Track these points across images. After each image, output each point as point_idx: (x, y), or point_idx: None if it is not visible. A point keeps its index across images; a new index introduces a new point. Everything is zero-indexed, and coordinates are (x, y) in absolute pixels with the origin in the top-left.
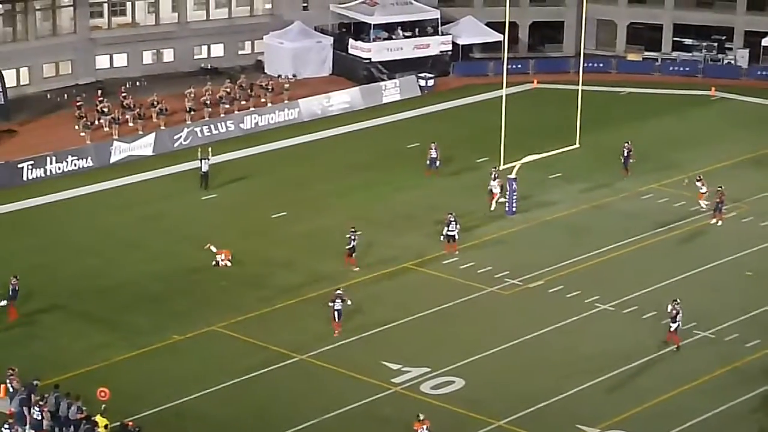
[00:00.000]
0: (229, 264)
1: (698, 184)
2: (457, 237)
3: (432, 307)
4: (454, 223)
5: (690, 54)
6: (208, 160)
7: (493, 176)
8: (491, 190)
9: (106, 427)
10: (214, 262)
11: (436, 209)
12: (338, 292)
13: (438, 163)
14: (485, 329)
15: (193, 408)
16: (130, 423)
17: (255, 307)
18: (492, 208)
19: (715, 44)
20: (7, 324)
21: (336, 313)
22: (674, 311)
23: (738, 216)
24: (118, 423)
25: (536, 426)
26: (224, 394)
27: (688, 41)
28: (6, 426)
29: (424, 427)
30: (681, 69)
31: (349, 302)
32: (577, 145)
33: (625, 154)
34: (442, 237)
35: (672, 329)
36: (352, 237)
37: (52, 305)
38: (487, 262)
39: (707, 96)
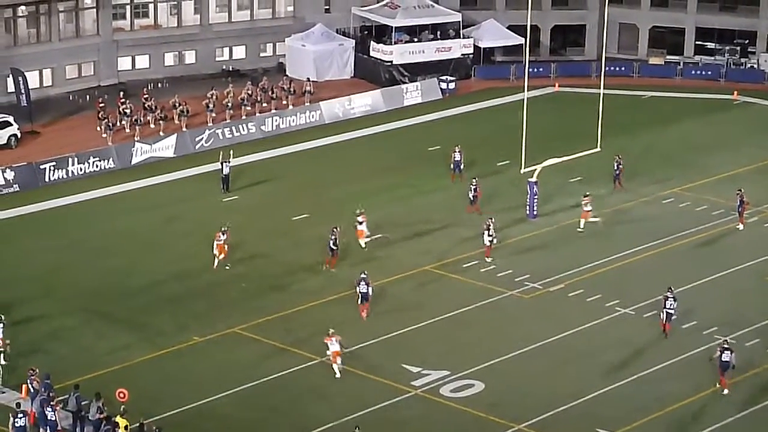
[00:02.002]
0: (222, 261)
1: (584, 201)
2: (492, 243)
3: (452, 310)
4: (492, 227)
5: (712, 58)
6: (229, 162)
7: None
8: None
9: (126, 428)
10: (227, 266)
11: (456, 212)
12: (362, 275)
13: (462, 166)
14: (505, 333)
15: (213, 409)
16: (146, 422)
17: (275, 309)
18: (581, 227)
19: (738, 48)
20: (26, 325)
21: (361, 296)
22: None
23: (760, 221)
24: (138, 424)
25: (556, 430)
26: (244, 396)
27: (710, 45)
28: (20, 416)
29: (334, 339)
30: (703, 73)
31: (371, 289)
32: (599, 149)
33: (616, 168)
34: (486, 241)
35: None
36: (334, 236)
37: (74, 306)
38: (507, 266)
39: (730, 100)
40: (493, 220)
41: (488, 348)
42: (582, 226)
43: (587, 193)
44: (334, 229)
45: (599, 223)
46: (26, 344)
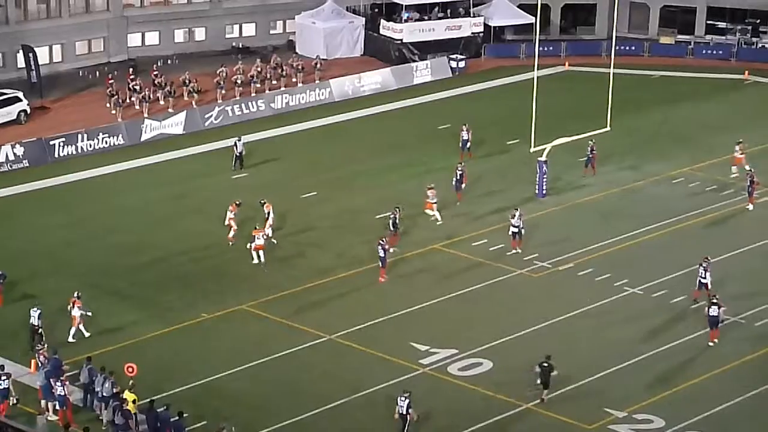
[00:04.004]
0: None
1: (429, 193)
2: (522, 233)
3: (461, 288)
4: (517, 217)
5: (723, 37)
6: (241, 141)
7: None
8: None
9: (134, 402)
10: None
11: (466, 190)
12: (381, 240)
13: (469, 144)
14: (514, 311)
15: (222, 386)
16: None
17: (284, 286)
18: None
19: (749, 28)
20: (36, 300)
21: (380, 260)
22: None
23: None
24: (148, 400)
25: (564, 409)
26: (253, 373)
27: (721, 24)
28: (3, 378)
29: (260, 233)
30: (714, 52)
31: (391, 250)
32: (608, 129)
33: (589, 152)
34: (509, 232)
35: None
36: (394, 215)
37: (83, 282)
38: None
39: (741, 80)
40: (519, 210)
41: (497, 327)
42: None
43: (431, 185)
44: (396, 209)
45: (433, 218)
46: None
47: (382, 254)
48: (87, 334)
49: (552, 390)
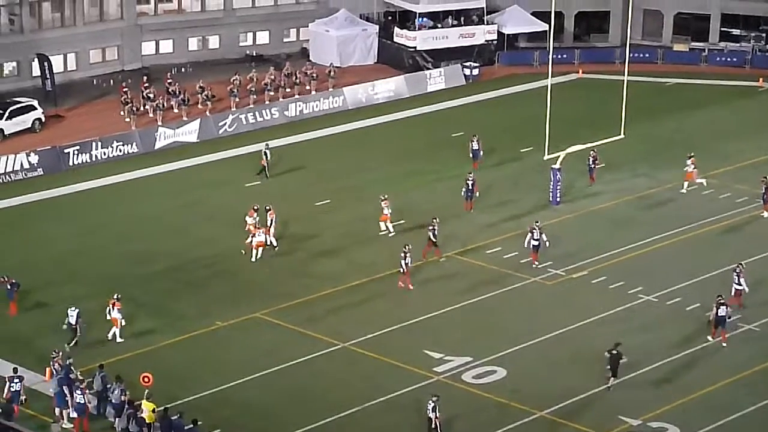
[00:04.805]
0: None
1: (383, 204)
2: (540, 246)
3: (475, 296)
4: (537, 231)
5: (738, 44)
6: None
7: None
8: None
9: (153, 411)
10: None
11: (479, 199)
12: (405, 248)
13: (481, 153)
14: (528, 319)
15: (236, 394)
16: (169, 407)
17: (298, 294)
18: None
19: (764, 35)
20: (49, 308)
21: (404, 267)
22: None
23: None
24: (162, 408)
25: (578, 417)
26: (266, 381)
27: (735, 32)
28: (16, 380)
29: (260, 231)
30: (728, 60)
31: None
32: (622, 136)
33: (590, 162)
34: (526, 244)
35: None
36: (433, 227)
37: (97, 290)
38: (526, 245)
39: (755, 87)
40: (539, 223)
41: (511, 334)
42: (384, 228)
43: (385, 196)
44: (433, 220)
45: (385, 231)
46: (49, 327)
47: (408, 262)
48: (120, 340)
49: (563, 398)
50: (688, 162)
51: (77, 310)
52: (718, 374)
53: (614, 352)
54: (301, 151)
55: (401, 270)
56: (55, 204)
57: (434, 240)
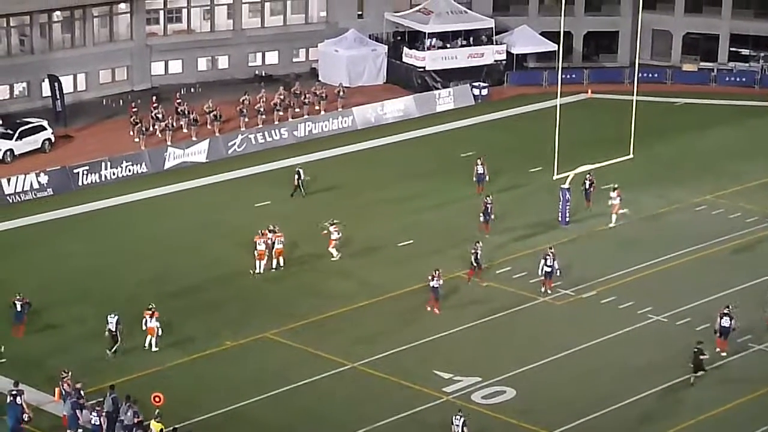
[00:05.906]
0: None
1: (332, 229)
2: (554, 273)
3: (484, 316)
4: (551, 257)
5: (747, 64)
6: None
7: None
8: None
9: (161, 431)
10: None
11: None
12: (434, 272)
13: (486, 177)
14: (537, 339)
15: (245, 414)
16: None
17: (307, 314)
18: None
19: None
20: (60, 328)
21: (432, 291)
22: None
23: None
24: (171, 428)
25: None
26: (276, 401)
27: (744, 51)
28: (15, 393)
29: (261, 240)
30: (737, 79)
31: (441, 281)
32: (631, 156)
33: (587, 186)
34: (540, 272)
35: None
36: (476, 250)
37: (108, 310)
38: (539, 272)
39: (764, 107)
40: (552, 249)
41: (520, 354)
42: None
43: (335, 221)
44: (476, 244)
45: (331, 258)
46: (61, 347)
47: (436, 286)
48: (155, 349)
49: (573, 418)
50: (613, 194)
51: (116, 317)
52: (729, 394)
53: (697, 348)
54: (310, 171)
55: (434, 296)
56: (65, 224)
57: (476, 263)
